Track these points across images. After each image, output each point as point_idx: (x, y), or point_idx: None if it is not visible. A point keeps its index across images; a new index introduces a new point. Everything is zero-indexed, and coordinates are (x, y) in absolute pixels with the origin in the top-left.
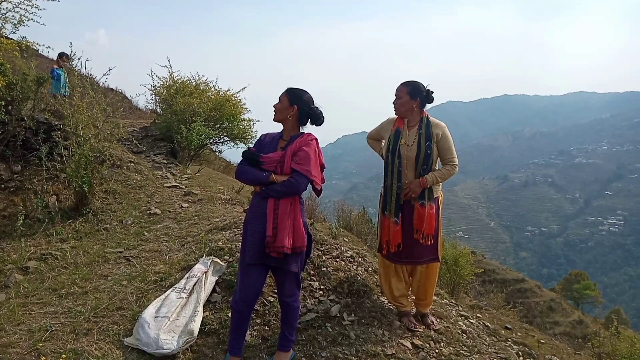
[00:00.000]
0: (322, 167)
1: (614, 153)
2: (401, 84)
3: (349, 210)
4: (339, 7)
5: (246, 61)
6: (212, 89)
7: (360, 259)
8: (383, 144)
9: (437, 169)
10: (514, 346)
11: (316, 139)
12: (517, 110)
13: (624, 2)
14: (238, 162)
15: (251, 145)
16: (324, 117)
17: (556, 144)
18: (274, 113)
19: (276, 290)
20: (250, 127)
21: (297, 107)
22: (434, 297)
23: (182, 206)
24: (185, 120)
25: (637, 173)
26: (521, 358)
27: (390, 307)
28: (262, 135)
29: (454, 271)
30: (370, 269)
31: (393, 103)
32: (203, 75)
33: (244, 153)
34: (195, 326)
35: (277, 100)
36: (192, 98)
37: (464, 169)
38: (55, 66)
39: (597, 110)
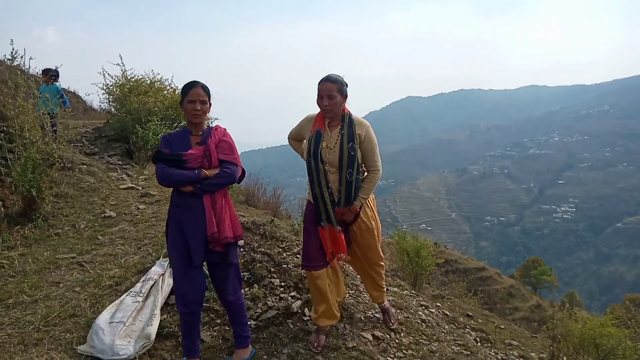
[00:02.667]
0: None
1: (564, 144)
2: (328, 81)
3: None
4: (296, 4)
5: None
6: (168, 87)
7: None
8: (304, 145)
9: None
10: (472, 332)
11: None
12: (473, 104)
13: (573, 0)
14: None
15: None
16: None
17: (511, 136)
18: (201, 114)
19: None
20: (209, 126)
21: (209, 101)
22: (395, 289)
23: (138, 208)
24: (141, 119)
25: (586, 162)
26: (479, 343)
27: (352, 300)
28: (164, 137)
29: (416, 262)
30: None
31: (323, 104)
32: (158, 73)
33: (160, 156)
34: (153, 330)
35: (201, 100)
36: (147, 97)
37: (424, 163)
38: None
39: (548, 103)
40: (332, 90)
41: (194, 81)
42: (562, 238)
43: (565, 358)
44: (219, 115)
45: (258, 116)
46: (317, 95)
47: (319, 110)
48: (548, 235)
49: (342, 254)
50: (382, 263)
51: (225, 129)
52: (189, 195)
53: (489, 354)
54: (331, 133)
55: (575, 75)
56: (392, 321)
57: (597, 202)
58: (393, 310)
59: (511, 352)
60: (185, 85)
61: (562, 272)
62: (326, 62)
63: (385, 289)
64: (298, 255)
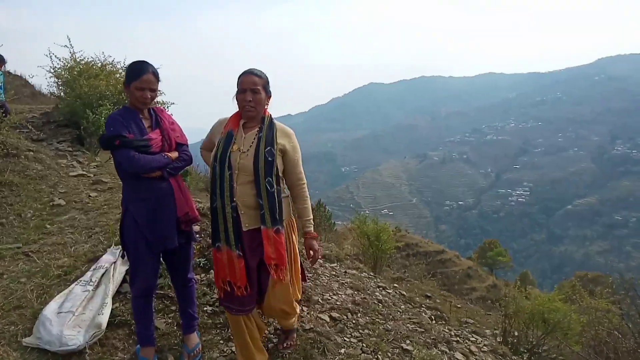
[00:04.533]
0: None
1: (520, 130)
2: (252, 74)
3: None
4: None
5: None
6: (121, 70)
7: None
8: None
9: (284, 187)
10: (427, 311)
11: None
12: (434, 91)
13: None
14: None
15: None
16: None
17: (469, 122)
18: (149, 102)
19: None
20: (165, 110)
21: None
22: (353, 271)
23: (90, 196)
24: (92, 104)
25: (540, 147)
26: (434, 321)
27: (310, 282)
28: (115, 118)
29: (376, 246)
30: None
31: (245, 99)
32: (109, 56)
33: (126, 141)
34: (104, 319)
35: (152, 88)
36: (98, 80)
37: (387, 149)
38: None
39: (504, 90)
40: (256, 84)
41: (144, 64)
42: (517, 220)
43: (516, 332)
44: (183, 100)
45: (218, 103)
46: (238, 90)
47: (234, 114)
48: (504, 218)
49: (239, 285)
50: (294, 311)
51: (166, 111)
52: (156, 180)
53: (443, 330)
54: (246, 135)
55: (530, 63)
56: (286, 344)
57: (549, 185)
58: (295, 334)
59: (467, 327)
60: (132, 67)
61: (516, 252)
62: (289, 49)
63: (296, 316)
64: None
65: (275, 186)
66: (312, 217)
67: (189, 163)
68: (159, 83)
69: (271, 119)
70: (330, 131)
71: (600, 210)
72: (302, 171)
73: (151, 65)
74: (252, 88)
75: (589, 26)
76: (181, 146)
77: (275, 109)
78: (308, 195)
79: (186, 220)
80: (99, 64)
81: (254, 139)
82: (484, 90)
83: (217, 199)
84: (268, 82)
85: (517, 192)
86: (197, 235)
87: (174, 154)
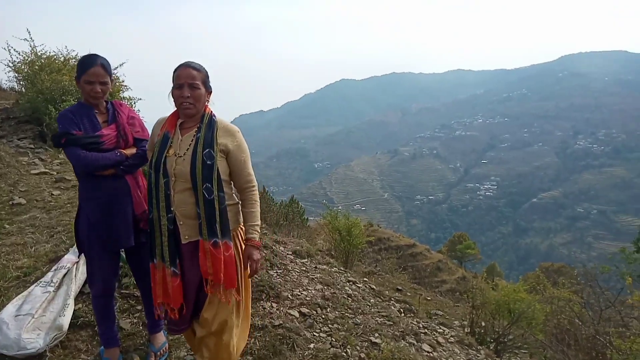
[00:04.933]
0: None
1: (487, 125)
2: (189, 67)
3: None
4: None
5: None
6: None
7: None
8: None
9: (231, 192)
10: (396, 304)
11: None
12: (404, 87)
13: None
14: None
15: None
16: None
17: (439, 118)
18: (101, 96)
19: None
20: (132, 107)
21: (111, 79)
22: (324, 267)
23: (52, 194)
24: (55, 99)
25: (506, 142)
26: (402, 314)
27: (280, 279)
28: (65, 115)
29: (347, 241)
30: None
31: (182, 95)
32: (73, 50)
33: (74, 139)
34: (65, 320)
35: (101, 81)
36: (61, 75)
37: (358, 145)
38: None
39: (472, 87)
40: (195, 79)
41: (93, 57)
42: (485, 214)
43: (483, 323)
44: (154, 95)
45: None
46: (174, 85)
47: (172, 114)
48: (472, 212)
49: (172, 307)
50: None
51: (127, 105)
52: (110, 178)
53: (411, 323)
54: (183, 137)
55: (497, 60)
56: None
57: (516, 179)
58: None
59: (435, 319)
60: (82, 60)
61: (484, 245)
62: (262, 44)
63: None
64: None
65: (216, 192)
66: (258, 223)
67: (146, 160)
68: (111, 74)
69: (211, 116)
70: (302, 127)
71: (564, 203)
72: (252, 173)
73: (101, 57)
74: (190, 83)
75: (552, 24)
76: (140, 142)
77: (248, 104)
78: (257, 200)
79: (145, 218)
80: (62, 58)
81: (192, 140)
82: (453, 86)
83: (153, 209)
84: (208, 76)
85: (485, 187)
86: None
87: (130, 151)
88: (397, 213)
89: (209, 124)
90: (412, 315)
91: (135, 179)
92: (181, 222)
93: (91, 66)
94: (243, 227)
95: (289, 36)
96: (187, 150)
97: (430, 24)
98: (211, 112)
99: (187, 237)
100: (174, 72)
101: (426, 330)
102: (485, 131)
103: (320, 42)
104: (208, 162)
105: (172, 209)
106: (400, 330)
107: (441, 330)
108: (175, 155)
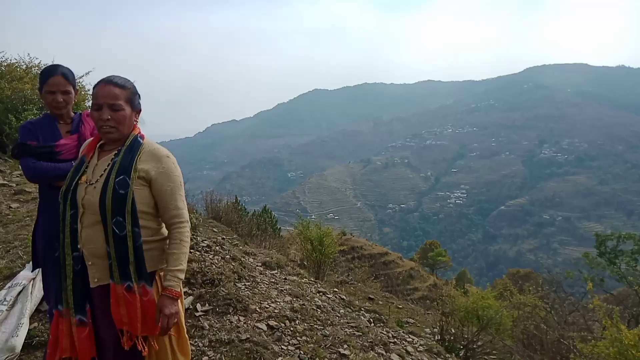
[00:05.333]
0: None
1: (457, 135)
2: (111, 85)
3: (217, 200)
4: None
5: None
6: None
7: (217, 247)
8: None
9: (159, 227)
10: (366, 314)
11: None
12: (376, 97)
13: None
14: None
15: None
16: None
17: (410, 128)
18: (63, 105)
19: None
20: (76, 112)
21: (75, 89)
22: (294, 277)
23: (10, 207)
24: (16, 108)
25: (476, 152)
26: (372, 324)
27: (248, 291)
28: (25, 126)
29: (319, 251)
30: (227, 256)
31: (101, 118)
32: (36, 58)
33: (27, 149)
34: (18, 341)
35: (63, 90)
36: (23, 83)
37: (332, 154)
38: None
39: (442, 97)
40: (117, 98)
41: (54, 67)
42: (456, 221)
43: (453, 330)
44: None
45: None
46: (92, 106)
47: (96, 135)
48: (443, 220)
49: None
50: None
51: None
52: None
53: (381, 332)
54: (99, 161)
55: (466, 71)
56: None
57: (484, 187)
58: None
59: (407, 328)
60: (43, 71)
61: (455, 252)
62: (234, 54)
63: None
64: (191, 250)
65: (129, 228)
66: (182, 268)
67: None
68: (75, 84)
69: (137, 137)
70: (276, 137)
71: (530, 210)
72: (181, 206)
73: (62, 67)
74: (111, 103)
75: (518, 37)
76: None
77: (220, 114)
78: (186, 239)
79: None
80: (24, 66)
81: (107, 165)
82: (423, 97)
83: (60, 246)
84: (135, 93)
85: (455, 195)
86: None
87: None
88: (369, 221)
89: (130, 147)
90: (382, 325)
91: None
92: (90, 262)
93: (52, 76)
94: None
95: (260, 46)
96: (100, 177)
97: (401, 36)
98: (139, 132)
99: (96, 279)
100: (93, 88)
101: (395, 340)
102: (455, 140)
103: (292, 52)
104: (120, 192)
105: (78, 246)
106: (369, 340)
107: (410, 340)
108: (87, 182)
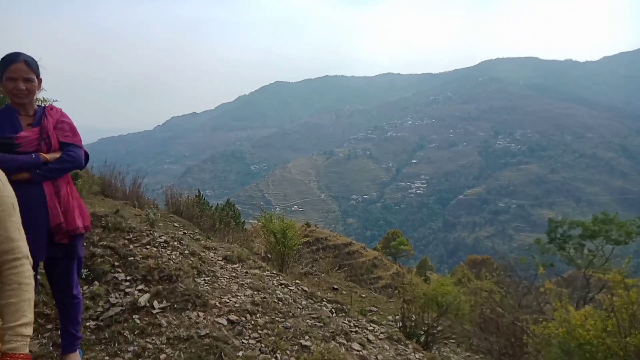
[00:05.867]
0: None
1: (416, 126)
2: (20, 62)
3: (178, 194)
4: None
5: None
6: None
7: (175, 242)
8: None
9: None
10: (328, 305)
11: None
12: (337, 90)
13: None
14: None
15: None
16: None
17: (371, 120)
18: (26, 94)
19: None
20: (40, 105)
21: (38, 76)
22: (255, 271)
23: None
24: None
25: (434, 143)
26: (334, 314)
27: (207, 286)
28: None
29: (282, 243)
30: (186, 251)
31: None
32: None
33: None
34: None
35: (25, 77)
36: None
37: (295, 146)
38: None
39: (402, 90)
40: (29, 72)
41: (15, 53)
42: (417, 211)
43: (414, 316)
44: (76, 97)
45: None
46: None
47: None
48: (405, 209)
49: None
50: None
51: (61, 110)
52: (25, 184)
53: (342, 322)
54: None
55: (424, 64)
56: None
57: (443, 177)
58: None
59: (370, 316)
60: (3, 58)
61: (417, 241)
62: (194, 45)
63: None
64: (147, 246)
65: None
66: (27, 321)
67: (73, 165)
68: (38, 73)
69: None
70: (238, 129)
71: (487, 199)
72: (18, 237)
73: (23, 54)
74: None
75: (473, 31)
76: (67, 146)
77: (180, 106)
78: (28, 281)
79: (59, 231)
80: None
81: None
82: (384, 89)
83: None
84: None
85: (416, 185)
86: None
87: (53, 155)
88: (334, 213)
89: None
90: (344, 314)
91: (56, 186)
92: None
93: (13, 62)
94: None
95: (221, 37)
96: None
97: (361, 29)
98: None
99: None
100: None
101: (357, 329)
102: (415, 132)
103: (253, 43)
104: None
105: None
106: (330, 331)
107: (372, 328)
108: None
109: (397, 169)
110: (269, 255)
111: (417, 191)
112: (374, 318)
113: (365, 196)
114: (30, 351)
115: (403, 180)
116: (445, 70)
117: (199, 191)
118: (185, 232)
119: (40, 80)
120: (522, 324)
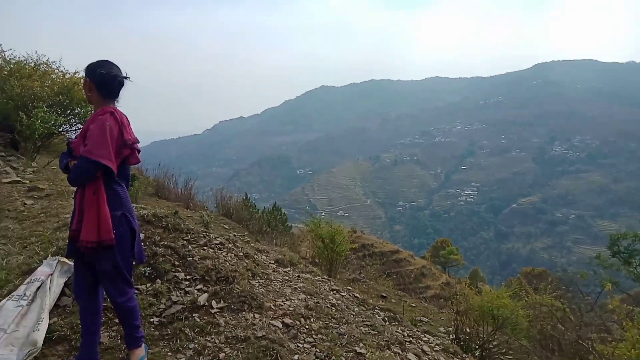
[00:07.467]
0: (125, 143)
1: (466, 132)
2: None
3: (227, 197)
4: None
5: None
6: (57, 70)
7: (230, 245)
8: None
9: None
10: (380, 313)
11: (112, 112)
12: (383, 94)
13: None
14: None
15: None
16: (119, 80)
17: (418, 124)
18: (90, 102)
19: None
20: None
21: (89, 79)
22: (307, 275)
23: (25, 203)
24: (26, 106)
25: (485, 149)
26: (387, 323)
27: (262, 289)
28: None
29: (331, 249)
30: (241, 254)
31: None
32: (44, 55)
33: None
34: (40, 335)
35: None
36: (31, 81)
37: (340, 151)
38: None
39: (450, 94)
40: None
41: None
42: (467, 219)
43: (467, 329)
44: (127, 103)
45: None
46: None
47: None
48: (454, 217)
49: None
50: None
51: (106, 112)
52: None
53: (396, 331)
54: None
55: (473, 67)
56: None
57: (495, 185)
58: None
59: (421, 326)
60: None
61: (467, 250)
62: (241, 51)
63: None
64: (205, 247)
65: None
66: None
67: (80, 175)
68: (84, 77)
69: None
70: (284, 134)
71: (543, 208)
72: None
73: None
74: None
75: (526, 33)
76: (81, 155)
77: (228, 111)
78: None
79: (73, 238)
80: (32, 64)
81: None
82: (431, 93)
83: None
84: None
85: (466, 192)
86: (142, 244)
87: (74, 161)
88: (380, 219)
89: None
90: (397, 323)
91: (82, 194)
92: None
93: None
94: None
95: (267, 43)
96: None
97: (408, 32)
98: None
99: None
100: None
101: (411, 339)
102: (464, 138)
103: (298, 48)
104: None
105: None
106: (385, 339)
107: (426, 339)
108: None
109: (446, 176)
110: (317, 260)
111: (468, 199)
112: (426, 329)
113: (412, 203)
114: (100, 342)
115: (452, 187)
116: (496, 74)
117: (246, 194)
118: (235, 234)
119: (87, 82)
120: (587, 343)
